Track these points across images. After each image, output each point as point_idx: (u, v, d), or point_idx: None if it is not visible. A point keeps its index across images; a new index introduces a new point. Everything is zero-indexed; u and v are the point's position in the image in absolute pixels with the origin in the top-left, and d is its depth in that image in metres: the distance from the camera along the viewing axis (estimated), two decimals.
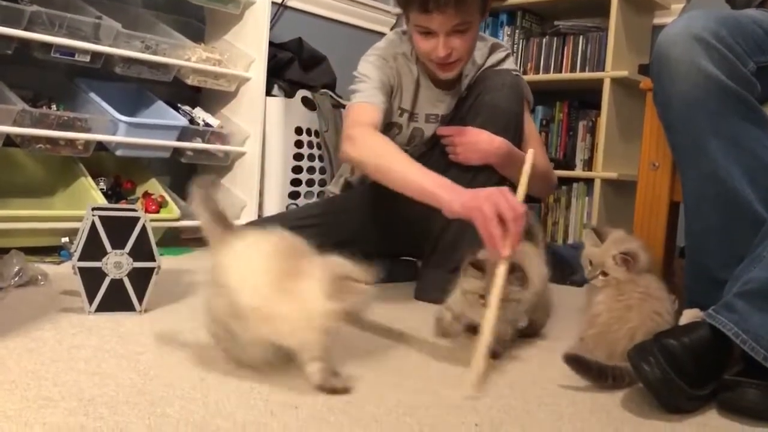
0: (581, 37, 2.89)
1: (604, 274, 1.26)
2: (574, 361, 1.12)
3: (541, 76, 2.98)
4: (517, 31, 3.09)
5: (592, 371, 1.12)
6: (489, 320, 1.14)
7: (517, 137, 1.74)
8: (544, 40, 3.00)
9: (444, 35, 1.58)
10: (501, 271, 1.17)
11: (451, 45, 1.60)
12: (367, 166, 1.55)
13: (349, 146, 1.55)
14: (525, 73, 3.02)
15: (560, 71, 2.95)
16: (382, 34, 1.89)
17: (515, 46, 3.07)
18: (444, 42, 1.59)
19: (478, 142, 1.68)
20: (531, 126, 1.85)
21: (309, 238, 1.81)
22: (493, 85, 1.73)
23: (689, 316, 1.21)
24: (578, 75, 2.88)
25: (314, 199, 2.59)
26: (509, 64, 1.83)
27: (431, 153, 1.80)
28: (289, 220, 1.84)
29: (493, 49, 1.83)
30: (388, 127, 1.82)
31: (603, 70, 2.77)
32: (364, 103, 1.64)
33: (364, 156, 1.54)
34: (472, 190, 1.33)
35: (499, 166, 1.70)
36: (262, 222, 1.89)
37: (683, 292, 1.40)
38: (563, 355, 1.12)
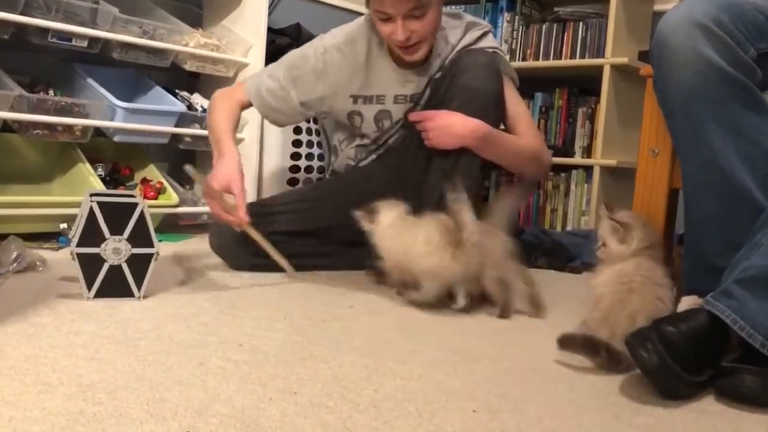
0: (581, 24, 2.87)
1: (604, 244, 1.30)
2: (563, 340, 1.15)
3: (541, 63, 2.97)
4: (516, 17, 3.07)
5: (578, 342, 1.13)
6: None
7: (497, 118, 1.72)
8: (543, 26, 2.99)
9: (401, 19, 1.59)
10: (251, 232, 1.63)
11: (409, 28, 1.61)
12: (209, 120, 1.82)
13: (212, 104, 1.84)
14: (525, 59, 3.01)
15: (560, 58, 2.94)
16: None
17: (515, 32, 3.06)
18: (402, 25, 1.60)
19: (451, 126, 1.66)
20: (517, 104, 1.80)
21: (292, 222, 1.82)
22: (467, 66, 1.70)
23: (687, 303, 1.22)
24: (578, 62, 2.87)
25: (316, 182, 2.59)
26: (487, 42, 1.79)
27: (411, 137, 1.78)
28: (273, 206, 1.86)
29: (469, 27, 1.79)
30: (350, 117, 1.82)
31: (603, 56, 2.75)
32: (248, 92, 1.82)
33: (209, 117, 1.82)
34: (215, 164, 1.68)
35: (477, 148, 1.67)
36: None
37: (682, 279, 1.40)
38: (557, 340, 1.15)
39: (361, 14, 3.20)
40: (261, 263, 1.79)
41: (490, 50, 1.77)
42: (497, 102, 1.72)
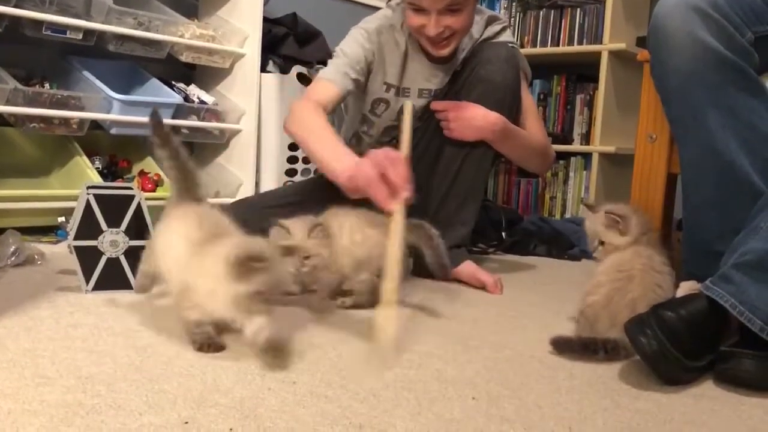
0: (578, 10, 2.86)
1: (602, 243, 1.27)
2: (558, 344, 1.15)
3: (539, 50, 2.96)
4: (514, 3, 3.06)
5: (576, 348, 1.13)
6: (392, 266, 1.15)
7: (513, 111, 1.73)
8: (541, 12, 2.98)
9: (436, 13, 1.57)
10: (396, 219, 1.20)
11: (443, 23, 1.59)
12: (295, 139, 1.61)
13: (287, 121, 1.61)
14: (522, 46, 3.00)
15: (558, 44, 2.93)
16: (377, 9, 1.86)
17: (512, 19, 3.04)
18: (436, 20, 1.58)
19: (473, 118, 1.67)
20: (528, 100, 1.84)
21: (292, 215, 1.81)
22: (489, 59, 1.71)
23: (686, 288, 1.22)
24: (576, 48, 2.86)
25: (311, 176, 2.58)
26: (506, 37, 1.81)
27: (426, 128, 1.79)
28: (275, 199, 1.85)
29: (490, 21, 1.81)
30: (375, 104, 1.81)
31: (601, 42, 2.75)
32: (326, 81, 1.65)
33: (293, 130, 1.59)
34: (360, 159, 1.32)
35: (494, 141, 1.69)
36: (239, 203, 1.89)
37: (680, 265, 1.40)
38: (550, 342, 1.15)
39: (357, 3, 3.21)
40: None
41: (510, 45, 1.78)
42: (515, 96, 1.73)
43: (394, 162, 1.22)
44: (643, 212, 1.33)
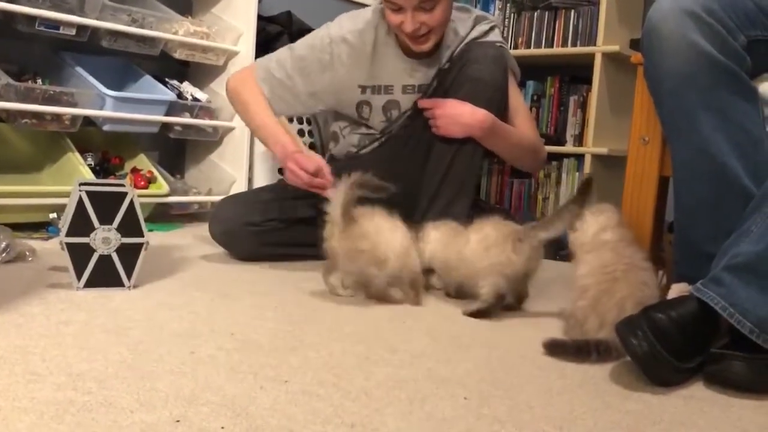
0: (573, 12, 2.87)
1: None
2: (551, 347, 1.15)
3: (533, 51, 2.96)
4: (508, 4, 3.06)
5: (570, 351, 1.14)
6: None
7: (502, 110, 1.74)
8: (535, 14, 2.98)
9: (411, 10, 1.60)
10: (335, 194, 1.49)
11: (419, 20, 1.62)
12: (239, 106, 1.86)
13: (237, 87, 1.83)
14: (516, 47, 3.00)
15: (552, 46, 2.93)
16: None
17: (507, 20, 3.05)
18: (412, 17, 1.61)
19: (460, 115, 1.68)
20: (518, 98, 1.84)
21: (304, 209, 1.81)
22: (476, 58, 1.72)
23: (677, 290, 1.23)
24: (569, 50, 2.86)
25: None
26: (495, 36, 1.82)
27: (414, 125, 1.80)
28: (268, 195, 1.85)
29: (478, 20, 1.82)
30: (358, 107, 1.82)
31: (594, 44, 2.75)
32: (260, 86, 1.80)
33: (243, 106, 1.82)
34: (284, 151, 1.64)
35: (482, 138, 1.70)
36: (231, 199, 1.89)
37: (672, 267, 1.40)
38: (543, 345, 1.15)
39: (351, 2, 3.20)
40: (271, 252, 1.78)
41: (498, 44, 1.79)
42: (503, 94, 1.75)
43: (314, 163, 1.58)
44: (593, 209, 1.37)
